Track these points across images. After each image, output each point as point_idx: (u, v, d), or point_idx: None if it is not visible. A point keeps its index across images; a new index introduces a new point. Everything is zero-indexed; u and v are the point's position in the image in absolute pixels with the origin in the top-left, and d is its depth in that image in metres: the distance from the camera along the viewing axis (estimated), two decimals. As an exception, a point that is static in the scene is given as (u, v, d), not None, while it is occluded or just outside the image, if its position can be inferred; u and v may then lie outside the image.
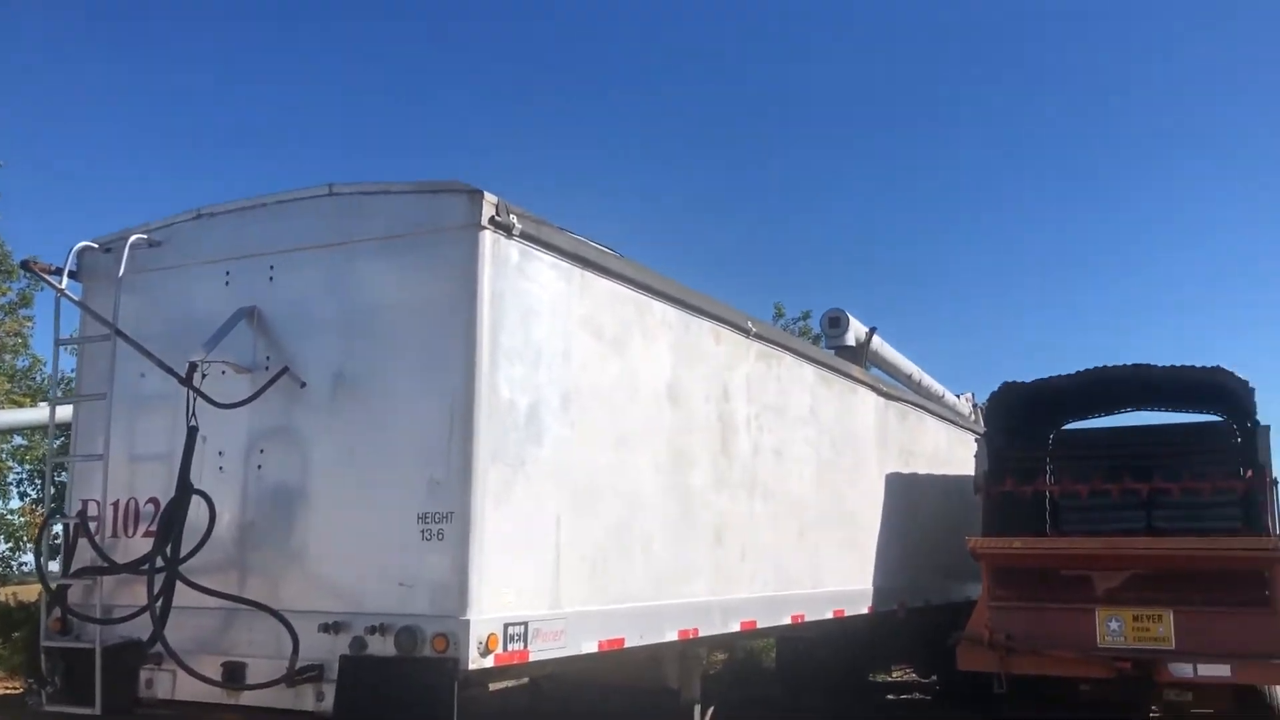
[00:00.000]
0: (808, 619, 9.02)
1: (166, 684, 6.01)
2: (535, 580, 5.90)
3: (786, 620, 8.71)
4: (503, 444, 5.71)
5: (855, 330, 13.65)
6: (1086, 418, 13.61)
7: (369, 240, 6.02)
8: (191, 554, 5.85)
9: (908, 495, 11.73)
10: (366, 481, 5.75)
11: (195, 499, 5.90)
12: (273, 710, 5.70)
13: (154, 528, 6.07)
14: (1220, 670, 9.08)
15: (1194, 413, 13.17)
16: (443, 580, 5.44)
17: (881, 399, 11.46)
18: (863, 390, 10.97)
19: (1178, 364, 10.97)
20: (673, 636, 7.12)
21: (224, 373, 6.13)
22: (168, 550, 5.83)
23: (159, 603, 5.74)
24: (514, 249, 5.92)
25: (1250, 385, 10.68)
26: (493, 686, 6.59)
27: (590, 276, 6.59)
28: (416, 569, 5.50)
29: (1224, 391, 11.25)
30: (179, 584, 5.82)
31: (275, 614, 5.67)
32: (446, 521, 5.48)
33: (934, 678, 14.06)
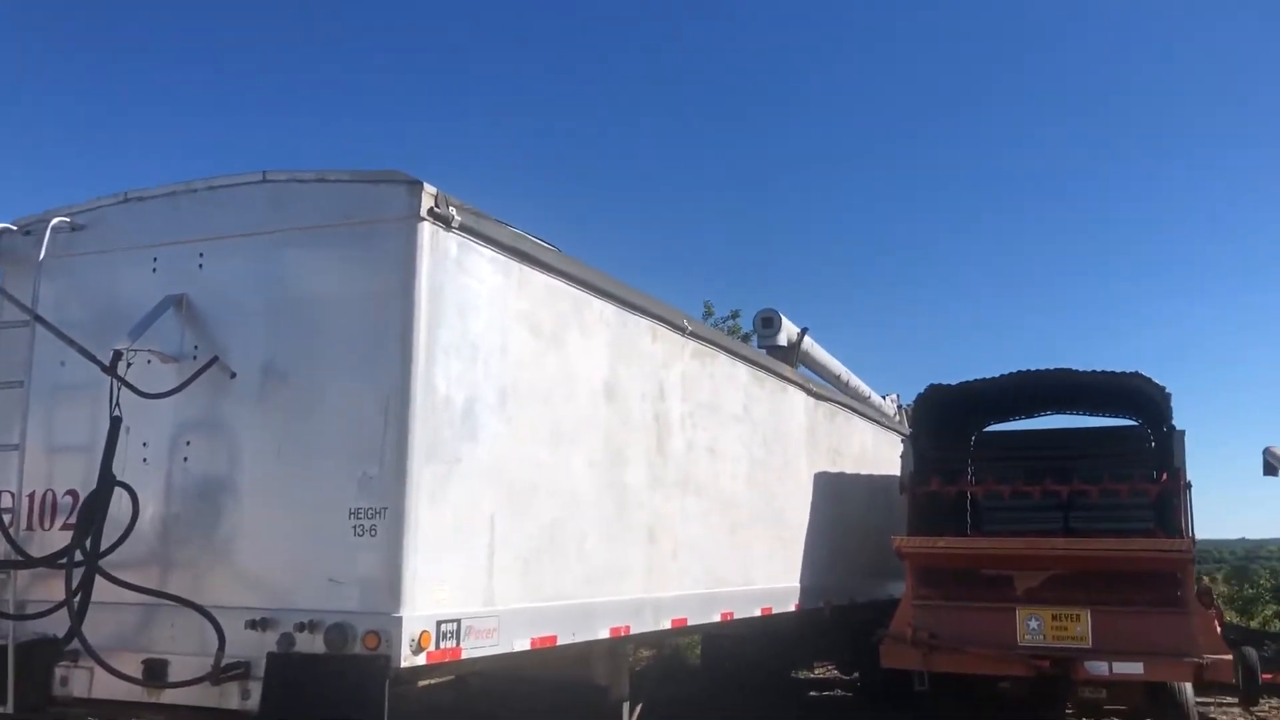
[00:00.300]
0: (737, 616, 9.08)
1: (83, 682, 5.83)
2: (469, 577, 5.83)
3: (716, 618, 8.76)
4: (438, 440, 5.63)
5: (787, 330, 13.80)
6: (1009, 420, 13.91)
7: (303, 229, 5.88)
8: (113, 548, 5.68)
9: (835, 494, 11.87)
10: (297, 475, 5.64)
11: (117, 491, 5.74)
12: (196, 709, 5.55)
13: (73, 520, 5.87)
14: (1133, 668, 9.36)
15: (1112, 417, 13.52)
16: (374, 576, 5.35)
17: (811, 399, 11.58)
18: (793, 390, 11.07)
19: (1098, 369, 11.28)
20: (605, 634, 7.11)
21: (150, 362, 5.97)
22: (87, 543, 5.65)
23: (77, 598, 5.57)
24: (453, 242, 5.85)
25: (1166, 391, 11.02)
26: (420, 683, 6.52)
27: (529, 271, 6.54)
28: (347, 565, 5.40)
29: (1141, 397, 11.58)
30: (99, 579, 5.64)
31: (200, 610, 5.52)
32: (379, 517, 5.39)
33: (856, 675, 14.24)
